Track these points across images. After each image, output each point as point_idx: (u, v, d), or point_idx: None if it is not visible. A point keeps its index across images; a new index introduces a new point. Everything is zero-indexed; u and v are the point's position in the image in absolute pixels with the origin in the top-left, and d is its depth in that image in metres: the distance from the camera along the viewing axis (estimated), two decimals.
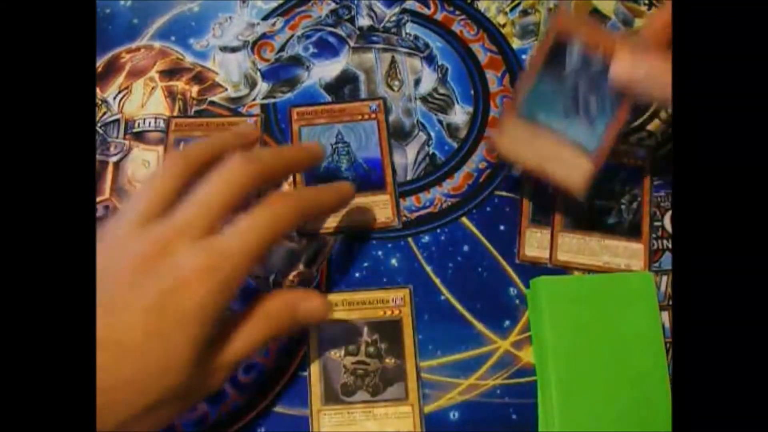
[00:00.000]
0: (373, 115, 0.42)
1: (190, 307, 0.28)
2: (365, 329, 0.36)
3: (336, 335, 0.36)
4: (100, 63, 0.43)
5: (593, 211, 0.39)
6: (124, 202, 0.32)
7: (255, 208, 0.30)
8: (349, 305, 0.37)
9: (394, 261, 0.38)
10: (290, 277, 0.38)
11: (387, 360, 0.36)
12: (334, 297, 0.37)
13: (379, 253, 0.39)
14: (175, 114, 0.42)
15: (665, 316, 0.37)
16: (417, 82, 0.43)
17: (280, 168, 0.33)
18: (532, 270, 0.38)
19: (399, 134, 0.41)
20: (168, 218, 0.30)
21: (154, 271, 0.28)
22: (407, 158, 0.41)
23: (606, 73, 0.35)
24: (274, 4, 0.45)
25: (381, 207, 0.39)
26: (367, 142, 0.41)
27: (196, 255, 0.28)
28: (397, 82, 0.43)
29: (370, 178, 0.40)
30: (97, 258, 0.28)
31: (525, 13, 0.45)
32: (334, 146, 0.41)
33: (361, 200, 0.39)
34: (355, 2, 0.46)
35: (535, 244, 0.39)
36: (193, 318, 0.28)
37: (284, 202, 0.31)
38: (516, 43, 0.44)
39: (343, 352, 0.36)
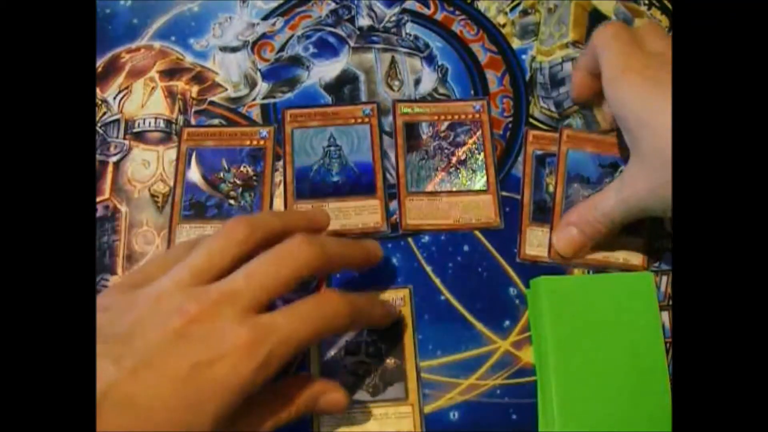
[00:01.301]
0: (366, 119, 0.42)
1: (223, 382, 0.27)
2: (365, 329, 0.36)
3: (336, 335, 0.36)
4: (100, 63, 0.43)
5: None
6: (177, 253, 0.31)
7: (313, 298, 0.30)
8: None
9: (394, 261, 0.38)
10: None
11: (387, 360, 0.36)
12: None
13: None
14: (175, 115, 0.42)
15: (665, 316, 0.37)
16: (417, 82, 0.43)
17: (341, 261, 0.33)
18: (532, 270, 0.38)
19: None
20: (221, 283, 0.29)
21: (195, 336, 0.27)
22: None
23: None
24: (274, 4, 0.45)
25: (370, 212, 0.39)
26: (360, 145, 0.41)
27: (240, 328, 0.28)
28: (397, 82, 0.43)
29: (360, 182, 0.40)
30: (140, 307, 0.28)
31: (525, 13, 0.45)
32: (326, 149, 0.41)
33: (350, 204, 0.39)
34: (355, 2, 0.46)
35: (535, 242, 0.39)
36: (223, 393, 0.27)
37: (342, 305, 0.31)
38: (516, 43, 0.44)
39: (343, 352, 0.36)
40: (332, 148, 0.41)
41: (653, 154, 0.32)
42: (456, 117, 0.42)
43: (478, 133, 0.41)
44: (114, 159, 0.41)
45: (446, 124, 0.42)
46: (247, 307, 0.28)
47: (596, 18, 0.45)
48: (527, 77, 0.44)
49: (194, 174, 0.40)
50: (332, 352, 0.36)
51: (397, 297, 0.37)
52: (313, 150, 0.41)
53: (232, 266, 0.30)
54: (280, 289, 0.29)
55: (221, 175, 0.40)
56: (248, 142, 0.41)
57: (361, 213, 0.39)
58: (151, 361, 0.27)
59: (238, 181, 0.40)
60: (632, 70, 0.34)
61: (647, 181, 0.33)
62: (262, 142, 0.41)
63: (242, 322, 0.28)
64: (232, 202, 0.40)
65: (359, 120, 0.42)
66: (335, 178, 0.40)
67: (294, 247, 0.30)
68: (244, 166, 0.40)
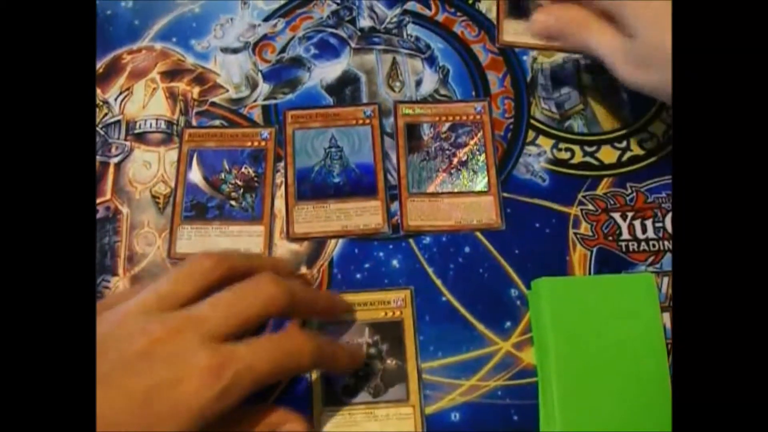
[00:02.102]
0: (368, 121, 0.42)
1: (182, 405, 0.27)
2: (367, 330, 0.36)
3: (337, 336, 0.36)
4: (101, 64, 0.43)
5: None
6: (146, 282, 0.32)
7: (278, 334, 0.31)
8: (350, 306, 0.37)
9: (395, 262, 0.38)
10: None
11: (388, 361, 0.36)
12: None
13: (381, 254, 0.39)
14: (176, 116, 0.42)
15: (666, 317, 0.37)
16: (418, 83, 0.43)
17: (306, 308, 0.33)
18: (533, 271, 0.38)
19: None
20: (186, 309, 0.29)
21: (157, 356, 0.27)
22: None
23: None
24: (276, 5, 0.46)
25: (371, 213, 0.39)
26: (361, 147, 0.41)
27: (203, 352, 0.28)
28: (398, 84, 0.43)
29: (361, 183, 0.40)
30: (102, 326, 0.28)
31: None
32: (327, 150, 0.41)
33: (351, 205, 0.39)
34: (357, 3, 0.46)
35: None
36: (182, 416, 0.27)
37: (306, 345, 0.31)
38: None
39: None
40: (333, 150, 0.41)
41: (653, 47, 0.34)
42: (457, 118, 0.42)
43: (480, 134, 0.41)
44: (115, 160, 0.41)
45: (447, 125, 0.42)
46: (210, 334, 0.28)
47: None
48: (528, 78, 0.44)
49: (195, 175, 0.40)
50: None
51: (399, 298, 0.37)
52: (314, 151, 0.41)
53: (197, 295, 0.30)
54: (243, 322, 0.29)
55: (222, 176, 0.40)
56: (249, 144, 0.41)
57: (362, 214, 0.39)
58: (110, 379, 0.27)
59: (239, 183, 0.40)
60: None
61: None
62: (263, 143, 0.41)
63: (205, 347, 0.28)
64: (233, 203, 0.40)
65: (360, 121, 0.42)
66: (336, 179, 0.40)
67: (261, 284, 0.31)
68: (246, 167, 0.40)
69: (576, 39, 0.37)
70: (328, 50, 0.44)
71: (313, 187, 0.40)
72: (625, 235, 0.39)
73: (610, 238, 0.39)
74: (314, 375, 0.36)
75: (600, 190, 0.40)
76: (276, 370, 0.29)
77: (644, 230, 0.39)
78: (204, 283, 0.30)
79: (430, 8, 0.46)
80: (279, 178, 0.40)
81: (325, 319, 0.37)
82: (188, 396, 0.27)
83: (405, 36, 0.45)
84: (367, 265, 0.38)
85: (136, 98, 0.43)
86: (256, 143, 0.41)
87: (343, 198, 0.40)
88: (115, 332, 0.28)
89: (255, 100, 0.43)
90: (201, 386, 0.27)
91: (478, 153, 0.41)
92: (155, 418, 0.27)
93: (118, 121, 0.42)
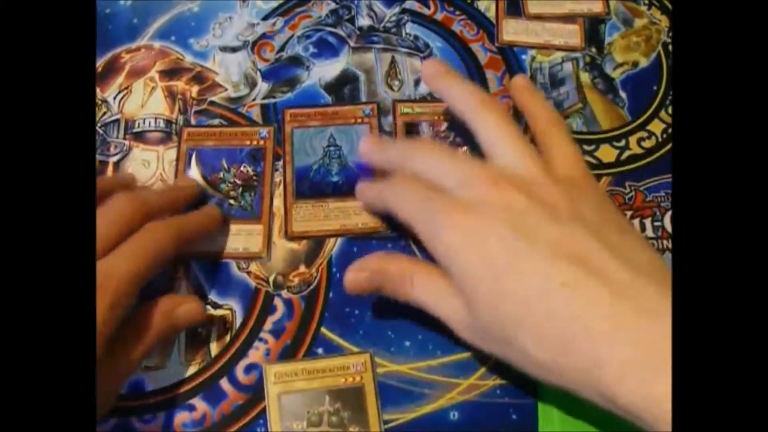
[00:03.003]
0: (366, 119, 0.42)
1: None
2: (327, 398, 0.35)
3: (297, 406, 0.35)
4: (100, 63, 0.43)
5: None
6: None
7: (137, 234, 0.33)
8: (309, 374, 0.35)
9: None
10: (290, 277, 0.38)
11: (351, 429, 0.35)
12: (293, 366, 0.36)
13: None
14: (175, 115, 0.42)
15: None
16: (417, 82, 0.43)
17: (159, 208, 0.35)
18: None
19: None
20: None
21: None
22: None
23: None
24: (275, 4, 0.45)
25: (369, 211, 0.39)
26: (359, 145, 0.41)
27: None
28: (397, 82, 0.43)
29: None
30: None
31: None
32: (325, 149, 0.41)
33: (350, 204, 0.39)
34: (355, 2, 0.46)
35: None
36: None
37: (164, 229, 0.34)
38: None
39: (305, 423, 0.35)
40: (332, 148, 0.41)
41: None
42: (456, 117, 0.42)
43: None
44: (114, 159, 0.41)
45: (446, 124, 0.42)
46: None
47: (595, 20, 0.45)
48: (527, 77, 0.44)
49: (194, 174, 0.40)
50: (294, 424, 0.34)
51: (358, 363, 0.36)
52: (312, 150, 0.41)
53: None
54: (110, 238, 0.32)
55: (221, 175, 0.40)
56: (248, 142, 0.41)
57: (360, 213, 0.39)
58: None
59: (238, 181, 0.40)
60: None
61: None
62: (262, 142, 0.41)
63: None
64: (232, 202, 0.40)
65: (359, 120, 0.42)
66: (335, 178, 0.40)
67: (114, 200, 0.34)
68: (245, 166, 0.40)
69: (399, 295, 0.34)
70: (326, 49, 0.44)
71: (311, 186, 0.40)
72: None
73: None
74: None
75: None
76: (151, 262, 0.32)
77: (643, 229, 0.39)
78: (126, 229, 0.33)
79: (428, 7, 0.46)
80: (278, 177, 0.40)
81: (181, 206, 0.38)
82: None
83: (404, 35, 0.45)
84: None
85: (134, 97, 0.43)
86: (254, 142, 0.41)
87: (341, 197, 0.40)
88: None
89: (254, 99, 0.43)
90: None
91: (477, 152, 0.41)
92: None
93: (117, 120, 0.42)
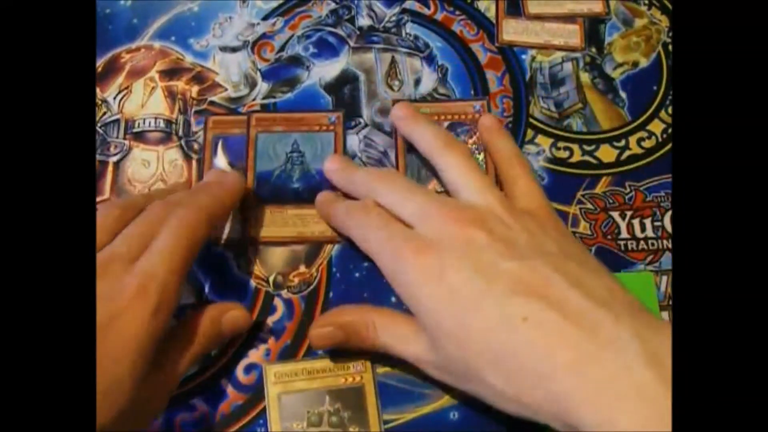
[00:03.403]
0: (331, 127, 0.41)
1: (130, 334, 0.28)
2: (327, 398, 0.35)
3: (297, 406, 0.35)
4: (100, 63, 0.43)
5: None
6: None
7: (165, 226, 0.32)
8: (309, 374, 0.35)
9: None
10: (290, 277, 0.38)
11: (351, 429, 0.35)
12: (293, 366, 0.36)
13: None
14: (175, 115, 0.42)
15: (665, 316, 0.37)
16: (417, 82, 0.43)
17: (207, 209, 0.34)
18: None
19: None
20: (100, 253, 0.31)
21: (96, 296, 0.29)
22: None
23: None
24: (274, 4, 0.45)
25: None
26: (323, 153, 0.40)
27: (125, 281, 0.29)
28: (397, 82, 0.43)
29: (321, 190, 0.39)
30: None
31: None
32: (288, 155, 0.41)
33: (309, 212, 0.39)
34: (355, 2, 0.46)
35: None
36: (134, 343, 0.28)
37: (191, 212, 0.33)
38: None
39: (305, 423, 0.35)
40: (295, 155, 0.41)
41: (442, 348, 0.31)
42: (456, 117, 0.42)
43: (479, 133, 0.41)
44: (114, 159, 0.41)
45: (446, 124, 0.41)
46: (126, 262, 0.30)
47: (595, 20, 0.45)
48: (527, 77, 0.44)
49: (221, 161, 0.40)
50: (294, 424, 0.35)
51: (358, 363, 0.36)
52: (275, 155, 0.41)
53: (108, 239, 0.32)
54: (143, 239, 0.31)
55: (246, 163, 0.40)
56: (317, 128, 0.41)
57: (320, 221, 0.39)
58: None
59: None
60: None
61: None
62: (332, 127, 0.41)
63: (126, 274, 0.29)
64: None
65: (324, 128, 0.41)
66: (296, 185, 0.40)
67: (152, 209, 0.33)
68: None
69: (364, 345, 0.34)
70: (326, 49, 0.44)
71: (272, 191, 0.40)
72: (624, 234, 0.39)
73: (609, 237, 0.39)
74: None
75: (599, 189, 0.40)
76: (188, 251, 0.32)
77: (643, 229, 0.39)
78: (112, 227, 0.32)
79: (429, 7, 0.46)
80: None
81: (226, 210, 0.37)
82: (129, 325, 0.28)
83: (404, 35, 0.45)
84: (366, 264, 0.38)
85: (134, 97, 0.43)
86: (324, 128, 0.41)
87: (301, 204, 0.39)
88: None
89: (254, 99, 0.43)
90: (135, 311, 0.29)
91: (477, 152, 0.41)
92: (111, 359, 0.28)
93: (117, 120, 0.42)
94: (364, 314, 0.34)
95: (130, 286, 0.29)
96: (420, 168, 0.40)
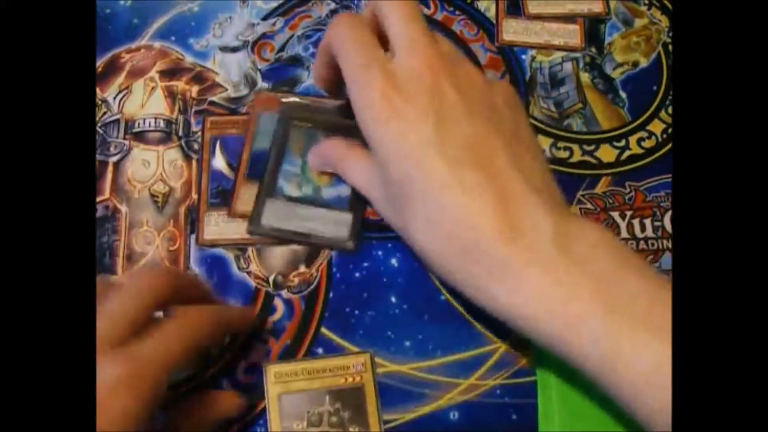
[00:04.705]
0: None
1: (114, 423, 0.26)
2: (327, 398, 0.35)
3: (297, 406, 0.35)
4: (100, 63, 0.43)
5: None
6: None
7: (173, 317, 0.31)
8: (309, 374, 0.35)
9: (394, 261, 0.38)
10: (290, 276, 0.38)
11: (351, 429, 0.34)
12: (293, 366, 0.36)
13: (380, 252, 0.39)
14: (175, 115, 0.42)
15: None
16: None
17: (189, 287, 0.34)
18: None
19: None
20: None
21: None
22: None
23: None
24: (274, 4, 0.45)
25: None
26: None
27: (116, 366, 0.27)
28: None
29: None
30: None
31: None
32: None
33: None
34: (355, 2, 0.46)
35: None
36: (122, 427, 0.26)
37: (202, 315, 0.32)
38: None
39: (305, 423, 0.35)
40: None
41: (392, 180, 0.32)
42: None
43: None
44: (114, 159, 0.41)
45: None
46: (115, 344, 0.28)
47: (595, 20, 0.46)
48: (527, 77, 0.44)
49: (219, 162, 0.40)
50: (294, 424, 0.34)
51: (358, 363, 0.36)
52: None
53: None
54: (137, 317, 0.29)
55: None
56: None
57: None
58: None
59: None
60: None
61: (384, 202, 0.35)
62: None
63: (117, 357, 0.27)
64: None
65: None
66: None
67: (136, 278, 0.31)
68: None
69: (341, 173, 0.38)
70: None
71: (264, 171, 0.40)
72: (624, 234, 0.39)
73: None
74: None
75: (599, 189, 0.40)
76: (188, 348, 0.30)
77: (643, 229, 0.39)
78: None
79: (429, 7, 0.46)
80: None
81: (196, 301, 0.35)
82: (116, 412, 0.26)
83: None
84: (366, 264, 0.38)
85: (134, 97, 0.43)
86: None
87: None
88: None
89: None
90: (124, 398, 0.27)
91: None
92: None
93: (117, 120, 0.42)
94: (342, 151, 0.37)
95: (116, 371, 0.27)
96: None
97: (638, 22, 0.45)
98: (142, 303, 0.30)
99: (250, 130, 0.41)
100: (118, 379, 0.27)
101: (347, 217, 0.38)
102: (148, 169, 0.41)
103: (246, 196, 0.39)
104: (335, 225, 0.38)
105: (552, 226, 0.29)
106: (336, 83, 0.38)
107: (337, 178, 0.39)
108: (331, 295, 0.38)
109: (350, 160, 0.37)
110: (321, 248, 0.38)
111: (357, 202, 0.39)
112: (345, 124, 0.39)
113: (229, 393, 0.35)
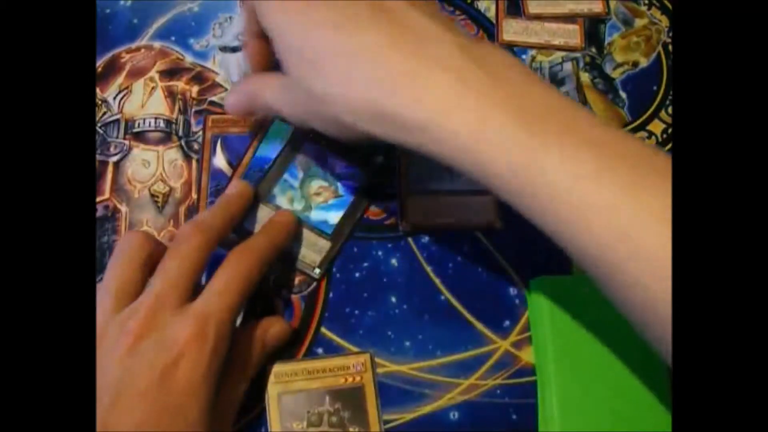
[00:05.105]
0: None
1: (195, 376, 0.29)
2: (327, 398, 0.35)
3: (297, 406, 0.35)
4: (100, 63, 0.43)
5: None
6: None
7: (221, 268, 0.32)
8: (309, 374, 0.36)
9: (394, 261, 0.38)
10: (290, 276, 0.38)
11: (351, 429, 0.35)
12: (293, 366, 0.36)
13: (380, 253, 0.39)
14: (175, 115, 0.42)
15: None
16: None
17: (226, 225, 0.35)
18: (532, 270, 0.38)
19: None
20: (143, 296, 0.31)
21: (145, 350, 0.29)
22: None
23: None
24: None
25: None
26: None
27: (184, 324, 0.29)
28: None
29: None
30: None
31: None
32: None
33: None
34: None
35: None
36: (200, 384, 0.29)
37: (248, 258, 0.33)
38: None
39: (305, 423, 0.35)
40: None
41: (297, 80, 0.30)
42: None
43: None
44: (114, 159, 0.41)
45: None
46: (177, 303, 0.30)
47: (595, 20, 0.45)
48: None
49: (220, 160, 0.40)
50: (294, 424, 0.35)
51: (358, 363, 0.36)
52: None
53: (143, 275, 0.32)
54: (192, 275, 0.32)
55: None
56: None
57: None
58: (121, 389, 0.28)
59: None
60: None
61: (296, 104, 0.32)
62: None
63: (182, 316, 0.30)
64: None
65: None
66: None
67: (184, 236, 0.33)
68: None
69: (260, 105, 0.35)
70: None
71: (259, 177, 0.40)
72: None
73: None
74: None
75: None
76: (243, 294, 0.32)
77: None
78: (140, 264, 0.32)
79: None
80: None
81: (240, 215, 0.37)
82: (195, 366, 0.29)
83: None
84: (366, 264, 0.38)
85: (134, 97, 0.43)
86: None
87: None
88: (103, 351, 0.29)
89: None
90: (198, 353, 0.29)
91: None
92: (179, 399, 0.28)
93: (117, 120, 0.42)
94: (259, 81, 0.35)
95: (186, 330, 0.29)
96: (421, 166, 0.40)
97: (638, 22, 0.45)
98: (199, 263, 0.32)
99: (259, 135, 0.41)
100: (189, 339, 0.29)
101: (325, 245, 0.38)
102: (148, 169, 0.41)
103: None
104: (310, 249, 0.38)
105: (458, 38, 0.28)
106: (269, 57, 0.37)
107: (332, 203, 0.39)
108: (331, 295, 0.38)
109: (267, 84, 0.34)
110: (291, 270, 0.38)
111: (340, 234, 0.38)
112: (354, 148, 0.39)
113: (275, 318, 0.36)
